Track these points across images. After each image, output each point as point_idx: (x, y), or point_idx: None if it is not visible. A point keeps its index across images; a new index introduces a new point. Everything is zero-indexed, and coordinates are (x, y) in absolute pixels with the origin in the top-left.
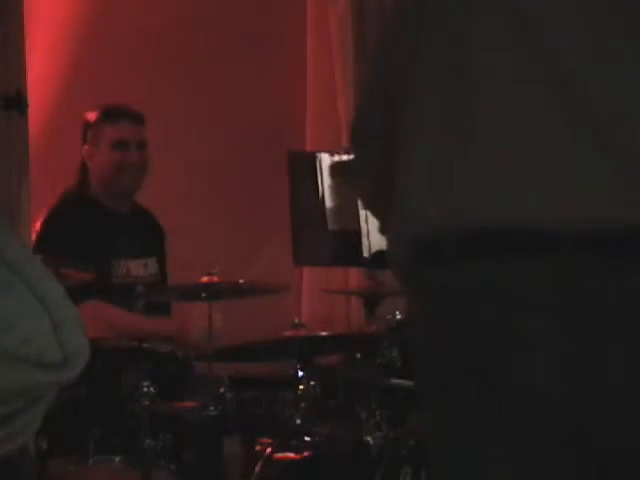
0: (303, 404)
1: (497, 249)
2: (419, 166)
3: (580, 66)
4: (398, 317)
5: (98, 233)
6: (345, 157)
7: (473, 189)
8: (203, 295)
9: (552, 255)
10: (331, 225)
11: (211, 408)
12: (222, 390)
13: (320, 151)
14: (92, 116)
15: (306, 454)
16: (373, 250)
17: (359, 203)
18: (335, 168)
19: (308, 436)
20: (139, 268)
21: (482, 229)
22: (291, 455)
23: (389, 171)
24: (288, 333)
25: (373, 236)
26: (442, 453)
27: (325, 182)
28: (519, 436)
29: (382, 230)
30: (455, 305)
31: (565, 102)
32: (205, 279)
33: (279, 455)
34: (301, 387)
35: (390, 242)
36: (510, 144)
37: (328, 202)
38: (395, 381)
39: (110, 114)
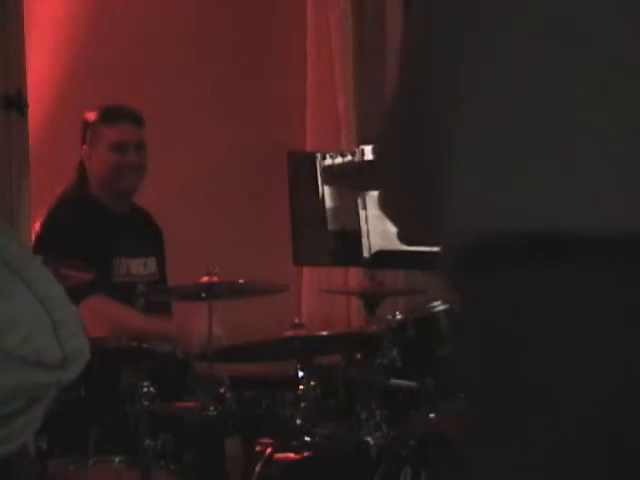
0: (303, 404)
1: (554, 254)
2: (472, 171)
3: (626, 67)
4: (398, 317)
5: (98, 233)
6: (341, 159)
7: (529, 194)
8: (203, 295)
9: (608, 262)
10: (331, 225)
11: (211, 408)
12: (222, 390)
13: (320, 151)
14: (91, 116)
15: (306, 454)
16: (373, 250)
17: (359, 203)
18: (329, 172)
19: (308, 436)
20: (139, 267)
21: (538, 234)
22: (291, 455)
23: (421, 178)
24: (288, 333)
25: (373, 236)
26: (486, 462)
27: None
28: (569, 447)
29: (400, 237)
30: (510, 311)
31: (615, 107)
32: (205, 279)
33: (279, 455)
34: (301, 387)
35: (440, 247)
36: (567, 149)
37: (328, 202)
38: (395, 381)
39: (109, 115)
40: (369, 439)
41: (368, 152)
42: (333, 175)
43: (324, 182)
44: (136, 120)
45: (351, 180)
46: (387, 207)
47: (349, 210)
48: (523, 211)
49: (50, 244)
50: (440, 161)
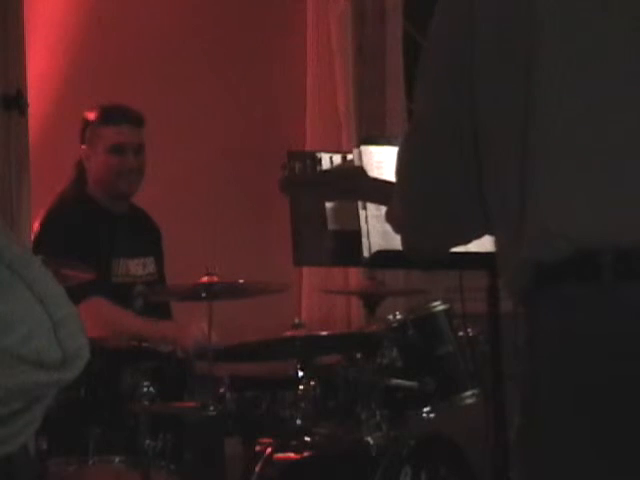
0: (303, 404)
1: None
2: (560, 188)
3: None
4: (398, 317)
5: (97, 233)
6: (340, 159)
7: (628, 207)
8: (203, 295)
9: None
10: (331, 225)
11: (211, 408)
12: (222, 390)
13: (320, 151)
14: (91, 115)
15: (306, 454)
16: (373, 250)
17: (359, 203)
18: (292, 179)
19: (308, 436)
20: (138, 267)
21: (628, 249)
22: (291, 455)
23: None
24: (288, 333)
25: (373, 236)
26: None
27: None
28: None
29: (406, 248)
30: (608, 321)
31: None
32: (205, 279)
33: (279, 455)
34: (301, 387)
35: (512, 259)
36: None
37: (328, 202)
38: (395, 381)
39: (109, 116)
40: (369, 439)
41: (367, 153)
42: (296, 182)
43: (285, 189)
44: (136, 121)
45: (315, 188)
46: (398, 220)
47: (349, 210)
48: (612, 228)
49: (49, 244)
50: (517, 178)
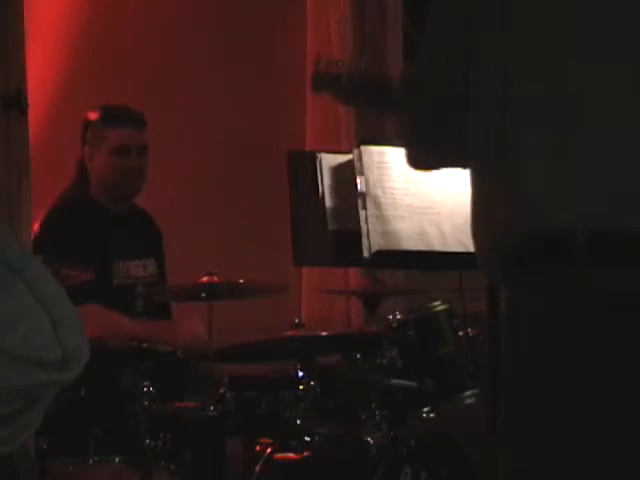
0: (303, 404)
1: (633, 253)
2: (540, 169)
3: None
4: (398, 317)
5: (98, 234)
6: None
7: (606, 190)
8: (203, 295)
9: None
10: (331, 225)
11: (211, 408)
12: (222, 390)
13: (320, 151)
14: (94, 115)
15: (306, 454)
16: (373, 250)
17: (359, 203)
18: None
19: (308, 436)
20: (139, 269)
21: (618, 231)
22: (291, 455)
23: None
24: (288, 333)
25: (373, 236)
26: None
27: (325, 182)
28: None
29: (408, 161)
30: (586, 306)
31: None
32: (205, 279)
33: (279, 455)
34: (301, 387)
35: (489, 243)
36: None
37: (328, 202)
38: (395, 381)
39: (112, 117)
40: (369, 439)
41: (367, 153)
42: (327, 82)
43: (315, 88)
44: (139, 123)
45: (344, 93)
46: (404, 136)
47: (349, 210)
48: (602, 210)
49: (49, 245)
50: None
